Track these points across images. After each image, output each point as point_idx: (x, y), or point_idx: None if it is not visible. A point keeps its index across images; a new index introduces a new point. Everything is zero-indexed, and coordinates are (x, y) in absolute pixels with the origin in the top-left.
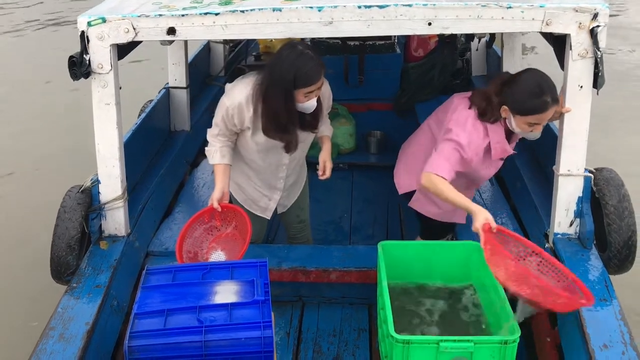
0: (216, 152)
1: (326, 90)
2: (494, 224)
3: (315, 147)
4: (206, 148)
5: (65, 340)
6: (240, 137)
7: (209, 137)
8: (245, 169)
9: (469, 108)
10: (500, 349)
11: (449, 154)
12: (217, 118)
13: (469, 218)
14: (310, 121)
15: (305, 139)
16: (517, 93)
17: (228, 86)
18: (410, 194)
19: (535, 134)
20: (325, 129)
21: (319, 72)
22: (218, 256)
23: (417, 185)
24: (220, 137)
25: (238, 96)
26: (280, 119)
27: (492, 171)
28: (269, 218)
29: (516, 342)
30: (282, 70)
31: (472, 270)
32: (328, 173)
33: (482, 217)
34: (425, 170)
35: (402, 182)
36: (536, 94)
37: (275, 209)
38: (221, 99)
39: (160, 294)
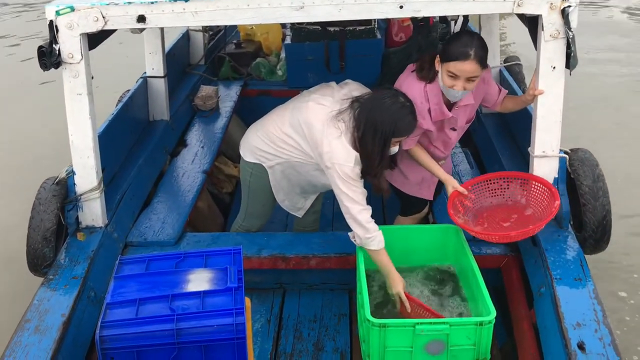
0: (381, 234)
1: None
2: (460, 188)
3: None
4: (366, 236)
5: (40, 333)
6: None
7: (368, 224)
8: (304, 184)
9: (412, 71)
10: (476, 330)
11: None
12: (357, 190)
13: (442, 202)
14: (389, 163)
15: None
16: (448, 43)
17: (326, 149)
18: None
19: (455, 91)
20: None
21: (414, 126)
22: None
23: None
24: (370, 213)
25: (349, 152)
26: (373, 163)
27: (447, 141)
28: (300, 217)
29: (492, 323)
30: (384, 120)
31: (450, 252)
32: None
33: (450, 187)
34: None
35: None
36: (463, 43)
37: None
38: (338, 169)
39: (134, 283)
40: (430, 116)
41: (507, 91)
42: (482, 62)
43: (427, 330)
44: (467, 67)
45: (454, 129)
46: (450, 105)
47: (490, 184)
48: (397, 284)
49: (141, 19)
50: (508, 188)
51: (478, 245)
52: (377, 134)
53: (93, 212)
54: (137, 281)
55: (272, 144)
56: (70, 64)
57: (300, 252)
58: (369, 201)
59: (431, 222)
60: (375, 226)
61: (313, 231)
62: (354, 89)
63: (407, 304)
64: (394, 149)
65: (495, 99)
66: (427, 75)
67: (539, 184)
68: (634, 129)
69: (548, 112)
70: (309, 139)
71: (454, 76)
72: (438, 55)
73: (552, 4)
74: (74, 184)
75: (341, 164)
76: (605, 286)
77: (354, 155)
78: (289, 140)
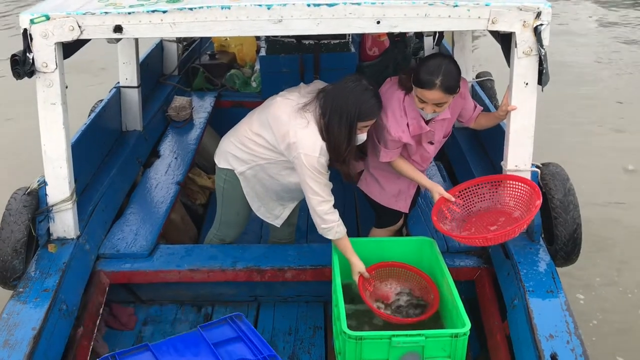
0: (340, 225)
1: None
2: (447, 195)
3: None
4: (323, 226)
5: (10, 347)
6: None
7: (325, 216)
8: (278, 188)
9: (395, 85)
10: (451, 342)
11: (385, 141)
12: (320, 181)
13: (416, 213)
14: (358, 152)
15: None
16: (419, 66)
17: (293, 140)
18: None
19: (426, 113)
20: None
21: (379, 108)
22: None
23: (363, 166)
24: (332, 206)
25: (316, 142)
26: (341, 149)
27: (424, 155)
28: (279, 226)
29: (466, 335)
30: (349, 104)
31: (425, 265)
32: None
33: (436, 194)
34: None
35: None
36: (430, 72)
37: None
38: (304, 159)
39: None
40: (409, 130)
41: (482, 108)
42: (450, 90)
43: (402, 342)
44: (433, 95)
45: (431, 143)
46: (427, 119)
47: (479, 188)
48: (354, 271)
49: (118, 29)
50: (496, 192)
51: (452, 258)
52: (343, 118)
53: (65, 223)
54: None
55: (242, 146)
56: (45, 73)
57: (275, 264)
58: (343, 209)
59: (405, 234)
60: (335, 217)
61: (289, 243)
62: (320, 85)
63: (364, 296)
64: (362, 137)
65: (470, 114)
66: (405, 83)
67: (525, 185)
68: None
69: (520, 127)
70: (276, 132)
71: (422, 101)
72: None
73: (525, 22)
74: (46, 194)
75: (307, 154)
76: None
77: (320, 145)
78: (259, 140)
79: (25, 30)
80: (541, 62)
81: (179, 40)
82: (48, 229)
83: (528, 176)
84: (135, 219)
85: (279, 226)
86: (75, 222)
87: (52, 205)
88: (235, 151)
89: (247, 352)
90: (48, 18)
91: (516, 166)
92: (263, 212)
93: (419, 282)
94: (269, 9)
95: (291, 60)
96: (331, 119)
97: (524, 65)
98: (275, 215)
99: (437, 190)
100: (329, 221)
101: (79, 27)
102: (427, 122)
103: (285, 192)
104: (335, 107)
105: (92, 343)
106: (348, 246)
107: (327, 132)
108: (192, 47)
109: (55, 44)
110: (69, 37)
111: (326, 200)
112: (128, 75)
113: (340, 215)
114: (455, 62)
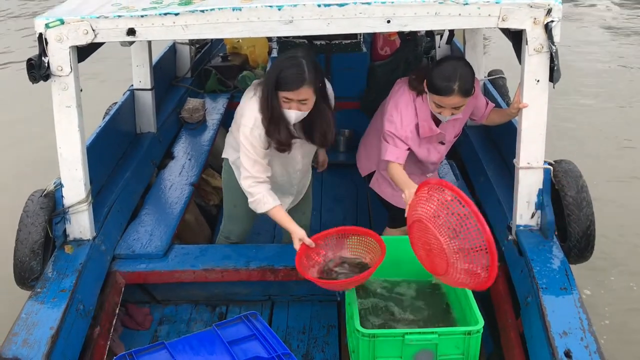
0: (265, 196)
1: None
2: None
3: None
4: (250, 200)
5: (29, 346)
6: None
7: (249, 189)
8: None
9: (406, 85)
10: (464, 339)
11: (392, 139)
12: (250, 156)
13: None
14: (309, 133)
15: (308, 148)
16: (433, 72)
17: (239, 113)
18: (372, 176)
19: (444, 116)
20: None
21: (298, 80)
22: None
23: (375, 167)
24: (258, 182)
25: (252, 114)
26: (266, 118)
27: (434, 154)
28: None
29: (480, 333)
30: (271, 72)
31: None
32: (325, 166)
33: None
34: (382, 159)
35: (363, 164)
36: (446, 77)
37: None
38: (241, 131)
39: None
40: (418, 132)
41: (494, 105)
42: (468, 93)
43: (415, 340)
44: (451, 101)
45: (442, 143)
46: (438, 120)
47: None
48: (294, 238)
49: (131, 32)
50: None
51: None
52: (265, 87)
53: (81, 224)
54: None
55: (231, 133)
56: (60, 76)
57: (288, 263)
58: (356, 209)
59: None
60: (258, 189)
61: None
62: None
63: (298, 264)
64: (289, 113)
65: (482, 112)
66: (417, 86)
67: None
68: None
69: (532, 124)
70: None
71: (439, 105)
72: (425, 80)
73: (535, 18)
74: (62, 196)
75: (244, 125)
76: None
77: (254, 117)
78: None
79: (40, 34)
80: (552, 59)
81: (191, 42)
82: (64, 230)
83: (541, 173)
84: (150, 219)
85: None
86: (91, 224)
87: (68, 207)
88: (229, 139)
89: (262, 350)
90: (63, 22)
91: (528, 163)
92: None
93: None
94: (279, 9)
95: None
96: (262, 88)
97: (535, 63)
98: None
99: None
100: (253, 194)
101: (93, 30)
102: (437, 123)
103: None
104: (265, 77)
105: (108, 342)
106: (283, 216)
107: (259, 103)
108: (205, 49)
109: (69, 47)
110: (83, 40)
111: (251, 176)
112: (142, 77)
113: (354, 218)
114: (467, 62)
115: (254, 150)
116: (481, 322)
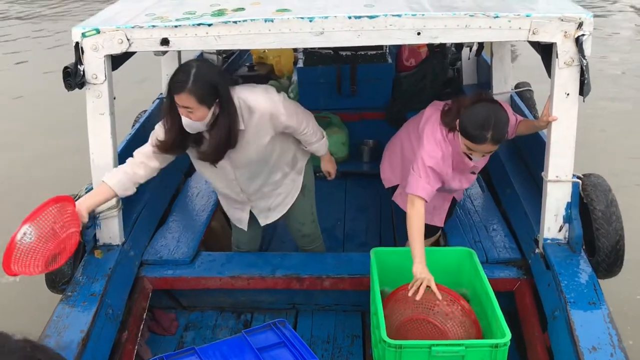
0: (113, 170)
1: (264, 111)
2: (428, 284)
3: (317, 158)
4: None
5: (60, 348)
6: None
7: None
8: (213, 186)
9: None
10: (491, 352)
11: (425, 172)
12: (144, 147)
13: (454, 224)
14: (204, 149)
15: (240, 159)
16: (465, 117)
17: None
18: (395, 188)
19: (475, 157)
20: (318, 149)
21: (179, 86)
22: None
23: (398, 180)
24: (132, 161)
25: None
26: (166, 117)
27: (465, 183)
28: (245, 229)
29: (507, 346)
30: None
31: (464, 275)
32: (333, 176)
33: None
34: (407, 192)
35: (387, 176)
36: (479, 126)
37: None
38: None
39: None
40: (452, 163)
41: (522, 118)
42: (500, 141)
43: (442, 351)
44: (483, 148)
45: (474, 173)
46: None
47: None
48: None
49: (165, 42)
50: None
51: (491, 269)
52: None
53: (111, 230)
54: None
55: None
56: (94, 84)
57: (314, 272)
58: (380, 220)
59: (443, 244)
60: (122, 166)
61: (314, 251)
62: None
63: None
64: (184, 120)
65: (512, 130)
66: (450, 123)
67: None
68: None
69: (562, 137)
70: None
71: (470, 149)
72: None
73: (566, 32)
74: None
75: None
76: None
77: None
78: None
79: (77, 43)
80: (583, 73)
81: (218, 52)
82: (95, 235)
83: (569, 187)
84: (177, 226)
85: (245, 229)
86: (120, 229)
87: (99, 213)
88: None
89: (291, 358)
90: (98, 32)
91: (557, 177)
92: (230, 214)
93: None
94: (311, 21)
95: (328, 71)
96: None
97: (565, 76)
98: (237, 218)
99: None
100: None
101: (128, 40)
102: (470, 157)
103: (215, 186)
104: None
105: (136, 347)
106: (92, 192)
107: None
108: (232, 59)
109: (104, 56)
110: (118, 49)
111: (130, 161)
112: None
113: (377, 228)
114: (501, 106)
115: (149, 145)
116: (508, 335)
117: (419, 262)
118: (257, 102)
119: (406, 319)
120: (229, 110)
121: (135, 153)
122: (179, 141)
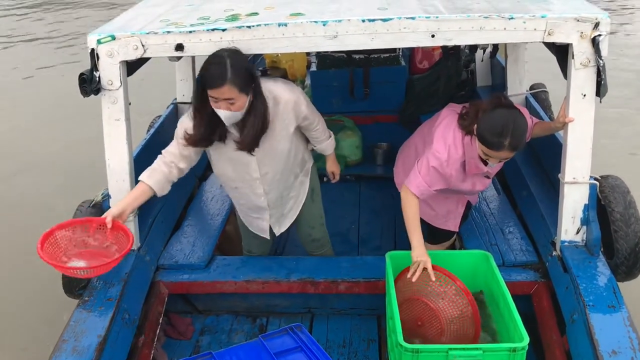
0: (150, 169)
1: (286, 105)
2: (424, 266)
3: (322, 158)
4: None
5: (78, 353)
6: (211, 157)
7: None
8: (231, 193)
9: (457, 120)
10: (509, 356)
11: (426, 170)
12: (171, 145)
13: (470, 226)
14: (239, 137)
15: (268, 151)
16: (484, 122)
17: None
18: None
19: (491, 163)
20: (326, 147)
21: (218, 80)
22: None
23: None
24: (163, 160)
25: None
26: (195, 116)
27: (478, 187)
28: (268, 238)
29: (525, 350)
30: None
31: (480, 278)
32: (337, 178)
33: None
34: (405, 183)
35: (401, 180)
36: (497, 133)
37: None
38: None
39: None
40: (465, 169)
41: (537, 120)
42: (517, 148)
43: (459, 355)
44: (500, 155)
45: (487, 177)
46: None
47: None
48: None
49: (179, 47)
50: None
51: (508, 272)
52: (196, 84)
53: None
54: None
55: None
56: (110, 90)
57: (329, 276)
58: (394, 223)
59: (458, 248)
60: (155, 163)
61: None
62: None
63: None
64: (218, 112)
65: (528, 133)
66: (467, 127)
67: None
68: None
69: (578, 139)
70: None
71: (488, 156)
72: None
73: (582, 32)
74: (109, 207)
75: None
76: None
77: (190, 114)
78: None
79: (92, 49)
80: (599, 74)
81: None
82: None
83: (587, 189)
84: (192, 231)
85: (268, 238)
86: (136, 234)
87: None
88: None
89: None
90: (114, 38)
91: (574, 178)
92: (249, 225)
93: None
94: (324, 25)
95: (341, 74)
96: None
97: (582, 77)
98: (259, 228)
99: (420, 259)
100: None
101: (143, 46)
102: (485, 162)
103: (237, 193)
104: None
105: (152, 352)
106: (131, 192)
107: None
108: None
109: (120, 62)
110: (133, 55)
111: (156, 166)
112: (185, 91)
113: (392, 232)
114: (520, 112)
115: (176, 141)
116: (526, 339)
117: (417, 246)
118: (282, 92)
119: (402, 299)
120: (262, 94)
121: (164, 152)
122: (207, 134)
